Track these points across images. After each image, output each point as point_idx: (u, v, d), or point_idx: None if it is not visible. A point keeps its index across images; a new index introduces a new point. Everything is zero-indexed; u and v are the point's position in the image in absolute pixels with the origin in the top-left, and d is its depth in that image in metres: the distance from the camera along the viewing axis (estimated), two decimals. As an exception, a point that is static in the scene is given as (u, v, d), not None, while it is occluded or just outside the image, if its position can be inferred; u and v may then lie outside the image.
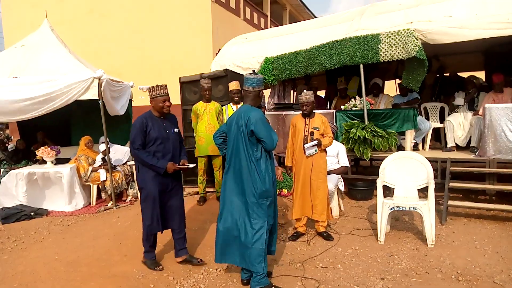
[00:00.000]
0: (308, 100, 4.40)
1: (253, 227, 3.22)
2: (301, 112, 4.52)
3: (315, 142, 4.34)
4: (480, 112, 5.78)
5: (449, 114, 6.78)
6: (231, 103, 5.89)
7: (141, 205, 3.78)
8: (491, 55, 7.59)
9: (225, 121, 5.74)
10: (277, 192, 6.41)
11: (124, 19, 16.38)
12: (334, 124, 6.29)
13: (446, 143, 6.45)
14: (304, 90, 4.53)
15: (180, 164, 3.77)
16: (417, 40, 5.68)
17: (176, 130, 3.82)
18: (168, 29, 15.68)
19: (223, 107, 5.95)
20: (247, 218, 3.26)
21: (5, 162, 7.29)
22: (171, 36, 15.60)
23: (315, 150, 4.36)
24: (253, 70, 3.59)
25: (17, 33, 14.35)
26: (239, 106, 5.85)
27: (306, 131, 4.43)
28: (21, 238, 4.92)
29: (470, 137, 6.08)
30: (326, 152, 4.60)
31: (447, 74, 8.61)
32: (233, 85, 5.81)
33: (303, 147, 4.38)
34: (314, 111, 4.54)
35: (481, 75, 8.28)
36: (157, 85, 3.66)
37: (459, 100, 6.43)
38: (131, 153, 3.72)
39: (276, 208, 3.50)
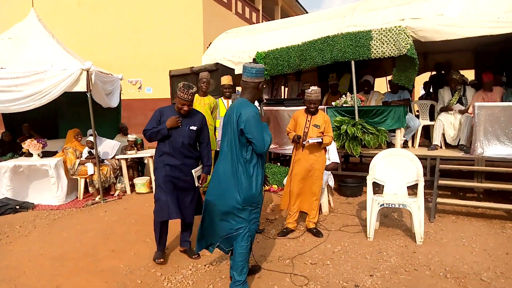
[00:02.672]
0: (317, 98, 4.36)
1: (234, 232, 3.01)
2: (305, 107, 4.48)
3: (320, 139, 4.32)
4: (470, 110, 5.82)
5: (438, 111, 6.81)
6: (222, 98, 5.83)
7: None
8: (481, 54, 7.64)
9: (221, 115, 5.64)
10: (267, 188, 6.46)
11: (114, 12, 16.17)
12: None
13: (432, 141, 6.46)
14: (312, 87, 4.41)
15: (201, 179, 3.81)
16: (408, 37, 5.68)
17: (192, 127, 3.73)
18: (159, 22, 15.52)
19: (215, 102, 5.89)
20: (227, 223, 3.01)
21: (-10, 154, 7.14)
22: (162, 29, 15.45)
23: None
24: (254, 59, 3.35)
25: (5, 26, 14.05)
26: (230, 101, 5.80)
27: (307, 127, 4.41)
28: (6, 232, 4.82)
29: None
30: (325, 150, 4.59)
31: (434, 73, 8.64)
32: (225, 80, 5.76)
33: (301, 141, 4.37)
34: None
35: (471, 73, 8.35)
36: (185, 87, 3.59)
37: (445, 93, 6.46)
38: (146, 138, 3.80)
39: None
